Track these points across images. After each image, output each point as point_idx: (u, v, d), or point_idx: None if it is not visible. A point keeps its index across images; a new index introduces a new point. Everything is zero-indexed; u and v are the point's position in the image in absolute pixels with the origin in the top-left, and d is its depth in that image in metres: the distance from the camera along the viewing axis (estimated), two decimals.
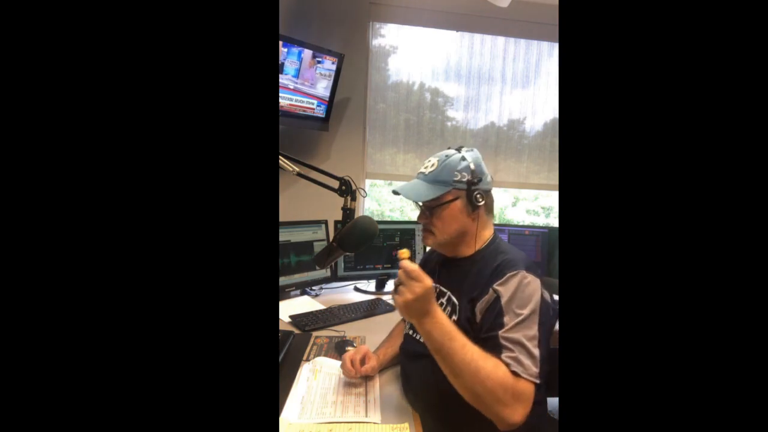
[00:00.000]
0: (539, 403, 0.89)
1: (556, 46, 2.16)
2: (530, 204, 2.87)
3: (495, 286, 0.82)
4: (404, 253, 0.81)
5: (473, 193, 0.90)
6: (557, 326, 1.51)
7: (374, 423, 0.81)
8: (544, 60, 2.19)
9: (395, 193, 0.97)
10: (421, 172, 0.95)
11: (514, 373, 0.73)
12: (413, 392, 0.91)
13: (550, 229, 1.86)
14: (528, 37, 2.16)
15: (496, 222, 2.41)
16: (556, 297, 1.72)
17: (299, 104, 1.83)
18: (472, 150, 0.95)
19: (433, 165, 0.93)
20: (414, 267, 0.75)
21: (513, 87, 2.19)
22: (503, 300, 0.80)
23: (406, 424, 0.81)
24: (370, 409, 0.85)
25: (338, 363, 1.03)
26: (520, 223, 2.58)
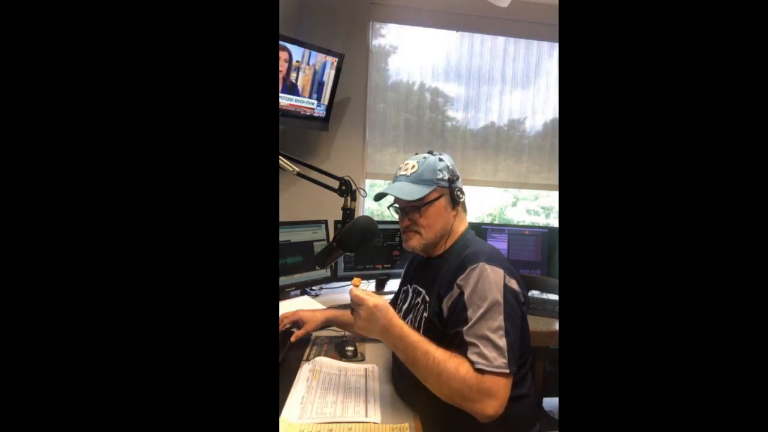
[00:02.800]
0: (525, 396, 0.90)
1: (556, 46, 2.16)
2: (530, 204, 2.87)
3: (458, 282, 0.85)
4: (356, 281, 0.89)
5: (454, 190, 0.95)
6: (555, 325, 1.51)
7: (374, 423, 0.81)
8: (544, 60, 2.19)
9: (378, 197, 1.01)
10: (402, 174, 0.97)
11: (479, 370, 0.76)
12: (407, 389, 0.91)
13: (550, 229, 1.86)
14: (528, 37, 2.15)
15: (496, 222, 2.41)
16: (551, 295, 1.72)
17: (299, 104, 1.83)
18: (441, 154, 1.00)
19: (413, 167, 0.96)
20: (356, 293, 0.83)
21: (513, 87, 2.19)
22: (466, 294, 0.83)
23: (406, 424, 0.81)
24: (370, 409, 0.85)
25: (338, 363, 1.03)
26: (520, 223, 2.58)
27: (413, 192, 0.93)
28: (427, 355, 0.78)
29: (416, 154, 1.00)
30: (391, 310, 0.84)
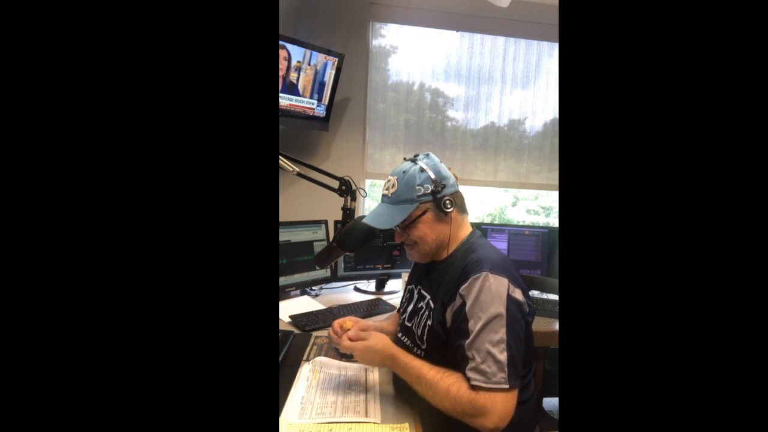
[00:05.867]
0: (527, 401, 0.89)
1: (556, 46, 2.16)
2: (530, 204, 2.87)
3: (460, 291, 0.83)
4: (348, 324, 0.95)
5: (440, 201, 0.90)
6: (555, 325, 1.50)
7: (374, 423, 0.81)
8: (544, 60, 2.19)
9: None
10: (384, 195, 0.94)
11: (474, 387, 0.76)
12: (407, 389, 0.91)
13: (550, 229, 1.86)
14: (528, 37, 2.15)
15: (496, 222, 2.41)
16: (551, 295, 1.72)
17: (299, 104, 1.83)
18: (427, 156, 0.94)
19: (393, 185, 0.91)
20: (345, 345, 0.88)
21: (513, 87, 2.19)
22: (467, 305, 0.81)
23: (406, 424, 0.81)
24: (370, 409, 0.85)
25: (338, 363, 1.03)
26: (520, 223, 2.58)
27: (392, 218, 0.90)
28: (420, 379, 0.81)
29: (404, 159, 0.95)
30: (380, 342, 0.86)
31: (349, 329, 0.93)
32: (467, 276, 0.83)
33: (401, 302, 1.14)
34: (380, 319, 1.25)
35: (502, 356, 0.76)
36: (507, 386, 0.76)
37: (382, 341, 0.87)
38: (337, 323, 1.00)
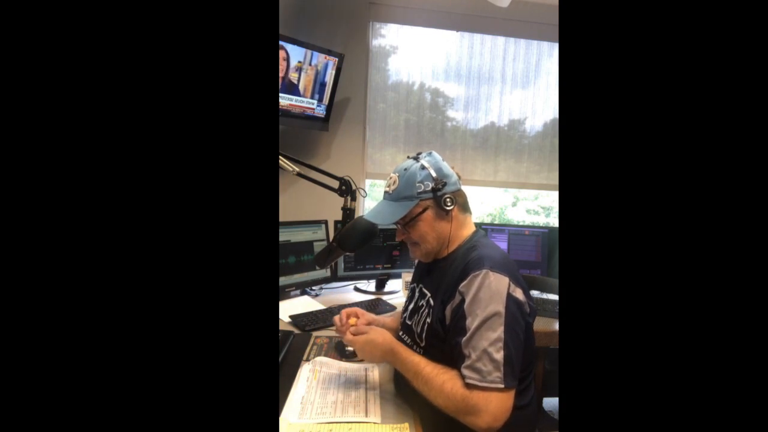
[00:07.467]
0: (527, 406, 0.88)
1: (556, 46, 2.16)
2: (530, 204, 2.87)
3: (460, 288, 0.83)
4: (352, 320, 0.97)
5: (440, 198, 0.90)
6: (555, 325, 1.50)
7: (374, 423, 0.81)
8: (544, 60, 2.19)
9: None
10: (386, 192, 0.95)
11: (468, 385, 0.76)
12: (407, 389, 0.91)
13: (550, 229, 1.86)
14: (528, 37, 2.15)
15: (496, 222, 2.41)
16: (551, 295, 1.72)
17: (299, 104, 1.83)
18: (430, 154, 0.95)
19: (394, 182, 0.93)
20: (348, 338, 0.90)
21: (513, 87, 2.19)
22: (466, 302, 0.81)
23: (406, 424, 0.81)
24: (370, 409, 0.85)
25: (338, 363, 1.03)
26: (520, 223, 2.58)
27: (393, 213, 0.91)
28: (418, 375, 0.81)
29: (407, 157, 0.96)
30: (380, 338, 0.88)
31: (353, 325, 0.93)
32: (467, 273, 0.83)
33: (405, 301, 1.14)
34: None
35: (499, 355, 0.76)
36: (502, 386, 0.74)
37: (383, 335, 0.88)
38: (344, 312, 1.01)
